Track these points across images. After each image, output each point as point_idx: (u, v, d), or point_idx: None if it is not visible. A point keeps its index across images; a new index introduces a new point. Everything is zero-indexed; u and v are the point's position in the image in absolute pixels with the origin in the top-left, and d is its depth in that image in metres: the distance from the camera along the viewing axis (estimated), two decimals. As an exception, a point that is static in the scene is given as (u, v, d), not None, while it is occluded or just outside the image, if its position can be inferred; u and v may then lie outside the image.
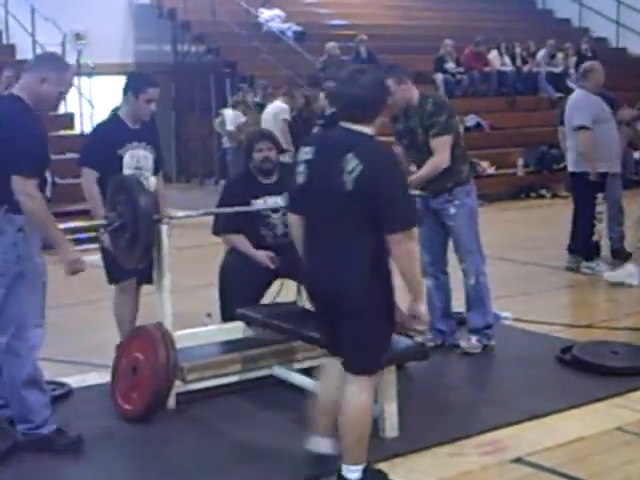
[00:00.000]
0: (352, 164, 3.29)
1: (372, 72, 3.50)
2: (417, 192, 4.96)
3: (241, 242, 5.13)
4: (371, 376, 3.47)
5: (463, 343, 5.32)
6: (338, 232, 3.38)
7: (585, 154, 7.23)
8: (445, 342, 5.40)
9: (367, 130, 3.42)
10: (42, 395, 3.94)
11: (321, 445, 3.60)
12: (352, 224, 3.36)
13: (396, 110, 5.17)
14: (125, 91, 4.94)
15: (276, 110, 11.11)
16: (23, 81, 3.90)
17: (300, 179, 3.50)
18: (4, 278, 3.79)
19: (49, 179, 3.94)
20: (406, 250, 3.31)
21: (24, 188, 3.68)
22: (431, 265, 5.34)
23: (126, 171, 4.88)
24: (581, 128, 7.24)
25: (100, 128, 5.16)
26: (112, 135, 4.95)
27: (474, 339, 5.32)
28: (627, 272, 7.03)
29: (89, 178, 4.90)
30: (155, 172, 5.06)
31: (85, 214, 10.06)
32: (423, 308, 3.49)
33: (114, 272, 4.89)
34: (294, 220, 3.61)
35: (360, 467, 3.46)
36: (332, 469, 3.52)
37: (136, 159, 4.95)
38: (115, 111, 4.98)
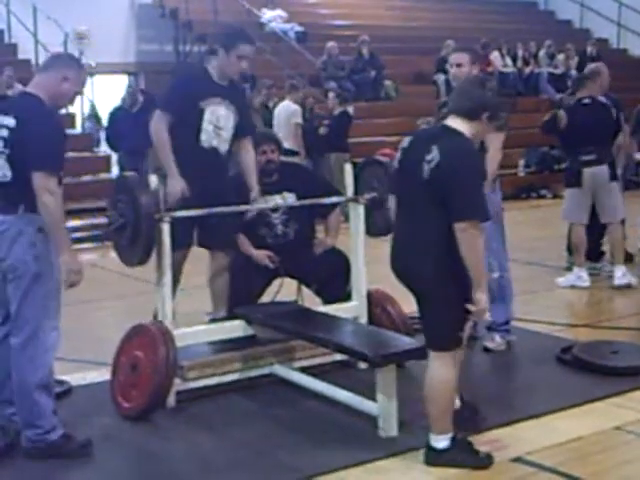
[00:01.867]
0: (432, 155, 3.57)
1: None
2: None
3: (241, 241, 5.14)
4: (450, 352, 3.68)
5: (488, 343, 5.35)
6: (415, 217, 3.67)
7: None
8: None
9: (461, 127, 3.64)
10: (51, 401, 3.89)
11: None
12: (426, 211, 3.62)
13: (456, 83, 5.26)
14: (215, 44, 4.75)
15: (288, 113, 11.06)
16: (41, 79, 3.87)
17: (395, 164, 3.87)
18: (21, 280, 3.74)
19: (62, 180, 3.94)
20: (469, 240, 3.49)
21: (47, 185, 3.64)
22: None
23: (206, 126, 4.74)
24: None
25: (184, 76, 4.95)
26: (195, 85, 4.79)
27: (497, 337, 5.36)
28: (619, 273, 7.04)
29: (161, 123, 4.71)
30: (237, 136, 4.90)
31: (84, 213, 10.16)
32: (481, 297, 3.57)
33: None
34: (393, 202, 3.96)
35: (447, 436, 3.74)
36: None
37: (216, 117, 4.79)
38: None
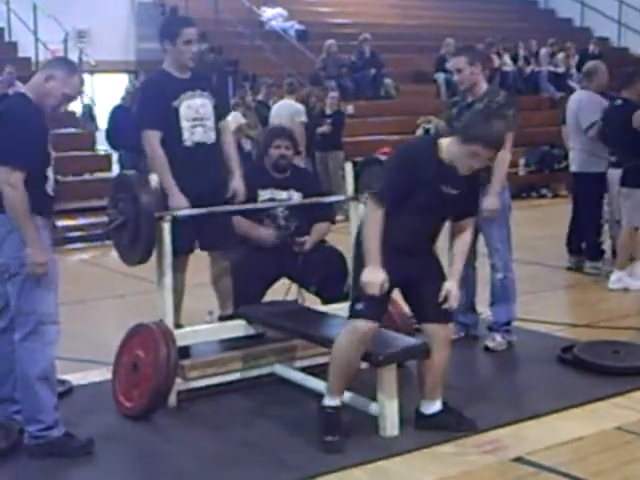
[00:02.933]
0: None
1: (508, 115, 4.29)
2: None
3: (245, 223, 5.13)
4: (351, 321, 3.94)
5: (489, 343, 5.36)
6: None
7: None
8: (468, 334, 5.50)
9: (442, 140, 3.96)
10: (53, 395, 3.90)
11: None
12: None
13: (462, 87, 5.29)
14: (161, 42, 4.74)
15: (291, 111, 11.02)
16: (32, 80, 3.91)
17: None
18: (17, 277, 3.76)
19: (51, 176, 3.92)
20: (368, 212, 3.90)
21: (8, 179, 3.64)
22: None
23: (184, 124, 4.69)
24: (594, 124, 7.17)
25: (148, 85, 4.94)
26: (163, 89, 4.74)
27: (498, 337, 5.37)
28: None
29: (152, 141, 4.67)
30: (219, 120, 4.87)
31: (85, 211, 10.17)
32: (365, 275, 3.79)
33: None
34: None
35: (335, 398, 4.01)
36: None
37: (194, 109, 4.73)
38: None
